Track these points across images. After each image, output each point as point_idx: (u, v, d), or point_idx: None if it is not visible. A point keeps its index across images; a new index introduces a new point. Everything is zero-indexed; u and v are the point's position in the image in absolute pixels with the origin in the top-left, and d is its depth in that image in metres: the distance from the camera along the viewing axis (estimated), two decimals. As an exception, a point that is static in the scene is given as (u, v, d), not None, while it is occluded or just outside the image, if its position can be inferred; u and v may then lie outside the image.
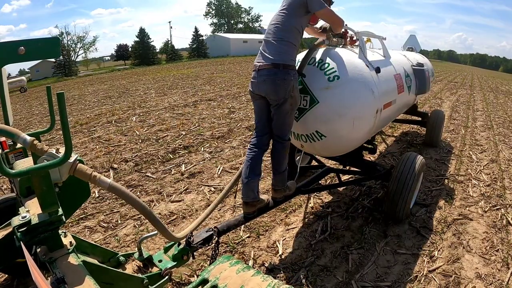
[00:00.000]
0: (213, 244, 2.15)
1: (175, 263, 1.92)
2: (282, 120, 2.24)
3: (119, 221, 3.03)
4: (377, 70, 2.62)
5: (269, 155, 2.42)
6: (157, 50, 48.81)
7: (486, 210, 3.27)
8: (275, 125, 2.29)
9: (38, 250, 1.34)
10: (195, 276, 2.30)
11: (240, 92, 10.92)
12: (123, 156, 4.80)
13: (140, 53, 44.78)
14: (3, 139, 1.96)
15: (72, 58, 42.23)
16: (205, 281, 1.35)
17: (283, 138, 2.30)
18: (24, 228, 1.30)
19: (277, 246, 2.65)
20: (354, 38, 3.00)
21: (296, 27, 2.20)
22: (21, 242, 1.25)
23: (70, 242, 1.43)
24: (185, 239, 2.00)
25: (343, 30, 2.85)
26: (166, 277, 1.81)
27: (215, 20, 67.18)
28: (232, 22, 67.92)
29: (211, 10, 66.45)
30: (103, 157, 4.81)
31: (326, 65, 2.38)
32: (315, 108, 2.35)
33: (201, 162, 4.49)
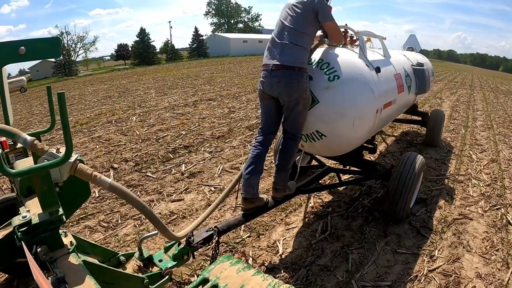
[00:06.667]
0: (214, 244, 2.16)
1: (175, 262, 1.92)
2: (296, 120, 2.30)
3: (119, 221, 3.03)
4: (377, 70, 2.62)
5: (271, 154, 2.43)
6: (157, 50, 48.77)
7: (486, 209, 3.27)
8: (288, 125, 2.34)
9: (39, 249, 1.34)
10: (196, 275, 2.31)
11: (240, 92, 10.91)
12: (123, 156, 4.80)
13: (140, 53, 44.74)
14: (3, 139, 1.96)
15: (72, 58, 42.21)
16: (205, 281, 1.35)
17: (296, 135, 2.36)
18: (25, 228, 1.30)
19: (277, 245, 2.65)
20: (354, 38, 3.00)
21: (309, 34, 2.27)
22: (21, 241, 1.25)
23: (71, 241, 1.42)
24: (185, 238, 2.00)
25: (342, 30, 2.86)
26: (167, 276, 1.81)
27: (215, 20, 67.13)
28: (232, 21, 67.79)
29: (211, 10, 66.43)
30: (103, 157, 4.81)
31: (326, 64, 2.38)
32: (315, 108, 2.35)
33: (201, 162, 4.50)
